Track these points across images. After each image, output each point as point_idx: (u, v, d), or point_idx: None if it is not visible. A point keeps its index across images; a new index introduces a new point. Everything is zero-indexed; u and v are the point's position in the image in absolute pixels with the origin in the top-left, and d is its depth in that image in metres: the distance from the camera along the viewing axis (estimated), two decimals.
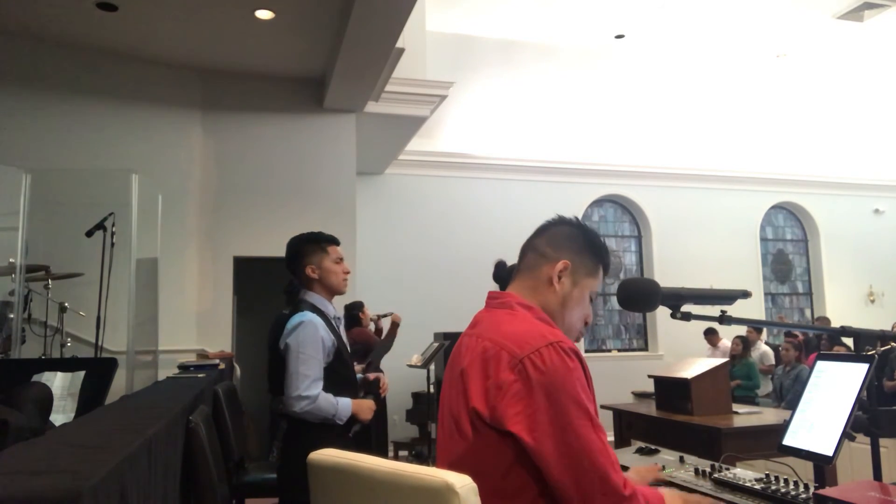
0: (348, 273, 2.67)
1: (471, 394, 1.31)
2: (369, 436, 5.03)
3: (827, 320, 9.01)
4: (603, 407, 3.01)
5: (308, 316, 2.47)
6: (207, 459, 2.02)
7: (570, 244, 1.46)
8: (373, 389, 2.71)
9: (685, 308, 1.60)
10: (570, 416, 1.22)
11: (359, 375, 2.82)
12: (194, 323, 5.66)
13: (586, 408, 1.24)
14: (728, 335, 7.72)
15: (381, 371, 5.30)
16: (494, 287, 1.63)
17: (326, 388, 2.47)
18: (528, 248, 1.50)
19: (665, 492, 1.42)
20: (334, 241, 2.66)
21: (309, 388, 2.41)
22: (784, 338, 6.73)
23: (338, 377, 2.52)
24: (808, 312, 10.22)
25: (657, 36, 8.86)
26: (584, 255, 1.46)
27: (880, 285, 10.22)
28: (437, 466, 1.38)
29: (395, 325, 5.58)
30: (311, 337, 2.43)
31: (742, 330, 7.55)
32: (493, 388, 1.27)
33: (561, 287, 1.43)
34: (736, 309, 1.61)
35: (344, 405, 2.48)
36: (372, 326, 6.08)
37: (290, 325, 2.46)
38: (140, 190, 4.60)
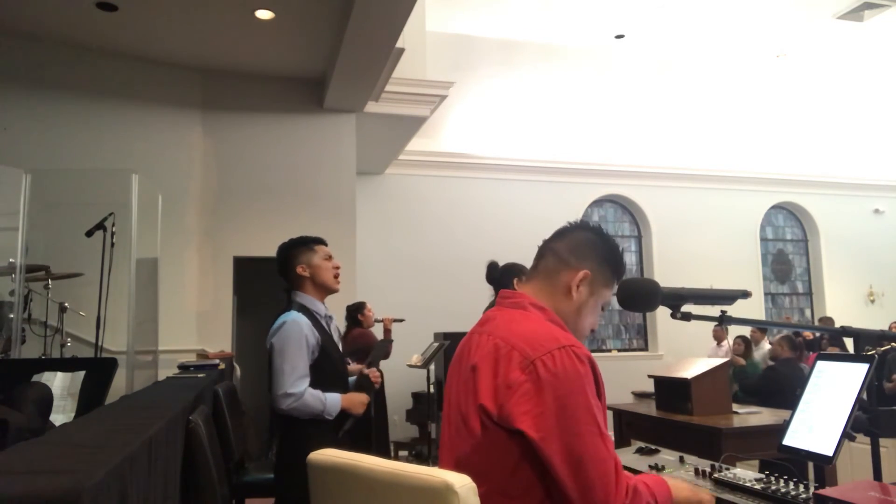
0: (339, 268, 2.70)
1: (480, 391, 1.30)
2: (369, 435, 5.03)
3: (830, 320, 8.98)
4: None
5: (292, 315, 2.51)
6: (207, 459, 2.02)
7: (593, 253, 1.45)
8: (365, 383, 2.71)
9: (685, 308, 1.60)
10: (577, 420, 1.22)
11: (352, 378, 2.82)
12: (194, 323, 5.66)
13: (594, 414, 1.24)
14: (733, 334, 7.63)
15: (380, 370, 5.29)
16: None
17: (314, 386, 2.49)
18: (548, 250, 1.48)
19: (670, 480, 1.41)
20: (321, 242, 2.71)
21: (294, 384, 2.43)
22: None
23: (323, 374, 2.54)
24: (808, 312, 10.22)
25: (657, 36, 8.86)
26: (605, 265, 1.45)
27: (880, 285, 10.22)
28: (442, 463, 1.38)
29: (387, 330, 5.66)
30: (294, 335, 2.47)
31: (746, 330, 7.48)
32: (503, 387, 1.27)
33: (578, 295, 1.42)
34: (736, 309, 1.61)
35: (332, 400, 2.50)
36: (379, 327, 6.04)
37: (275, 326, 2.51)
38: (140, 190, 4.60)
